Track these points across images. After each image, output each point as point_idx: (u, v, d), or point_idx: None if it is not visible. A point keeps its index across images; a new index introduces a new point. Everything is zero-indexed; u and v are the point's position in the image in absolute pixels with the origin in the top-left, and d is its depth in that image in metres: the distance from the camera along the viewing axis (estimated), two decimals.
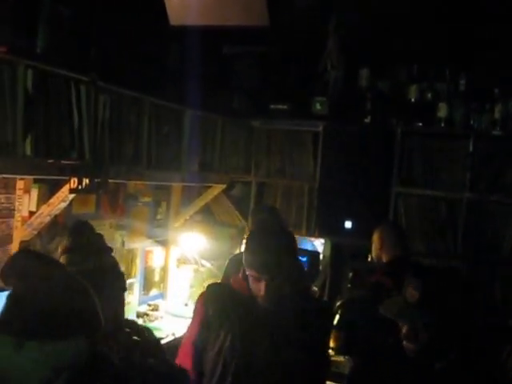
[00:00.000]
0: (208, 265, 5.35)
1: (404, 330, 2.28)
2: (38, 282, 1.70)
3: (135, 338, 2.34)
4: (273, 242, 2.59)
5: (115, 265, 2.35)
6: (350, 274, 4.96)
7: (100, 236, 2.42)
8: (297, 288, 2.71)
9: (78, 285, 1.77)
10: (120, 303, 2.30)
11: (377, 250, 4.24)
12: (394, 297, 2.45)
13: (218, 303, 2.68)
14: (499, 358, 4.34)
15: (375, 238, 4.25)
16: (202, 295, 2.84)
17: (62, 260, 2.29)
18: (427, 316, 2.23)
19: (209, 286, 2.88)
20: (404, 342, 2.29)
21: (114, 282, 2.28)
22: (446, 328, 2.23)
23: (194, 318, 2.78)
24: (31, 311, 1.65)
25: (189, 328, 2.82)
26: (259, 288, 2.56)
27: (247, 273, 2.62)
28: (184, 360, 2.71)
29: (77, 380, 1.66)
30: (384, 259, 4.20)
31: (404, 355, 2.34)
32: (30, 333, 1.63)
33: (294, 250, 2.74)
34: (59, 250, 2.38)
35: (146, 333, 2.46)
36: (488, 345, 2.62)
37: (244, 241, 5.31)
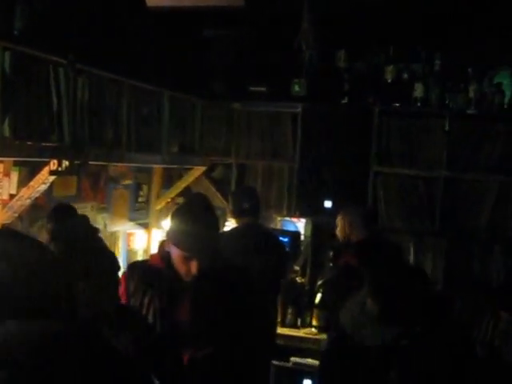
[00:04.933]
0: None
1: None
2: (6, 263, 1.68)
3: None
4: (203, 221, 2.61)
5: (104, 244, 2.36)
6: (331, 253, 5.03)
7: (85, 217, 2.42)
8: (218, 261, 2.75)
9: (50, 263, 1.75)
10: (115, 283, 2.32)
11: (344, 232, 4.30)
12: None
13: (139, 280, 2.70)
14: (478, 331, 4.45)
15: (342, 221, 4.29)
16: (124, 274, 2.86)
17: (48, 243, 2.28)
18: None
19: (130, 265, 2.94)
20: (368, 301, 2.37)
21: (107, 263, 2.30)
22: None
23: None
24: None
25: None
26: (189, 267, 2.58)
27: (175, 252, 2.63)
28: None
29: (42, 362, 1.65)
30: (354, 239, 4.26)
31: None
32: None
33: (218, 226, 2.81)
34: (44, 235, 2.36)
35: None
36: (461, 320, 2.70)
37: (227, 222, 5.40)
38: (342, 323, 2.50)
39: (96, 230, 2.35)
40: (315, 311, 4.96)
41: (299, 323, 5.08)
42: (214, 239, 2.67)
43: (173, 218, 2.73)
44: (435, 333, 2.37)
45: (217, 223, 2.75)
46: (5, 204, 3.66)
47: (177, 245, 2.62)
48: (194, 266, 2.57)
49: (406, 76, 5.16)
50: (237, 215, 4.39)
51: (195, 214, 2.66)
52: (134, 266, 2.89)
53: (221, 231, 5.06)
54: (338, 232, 4.31)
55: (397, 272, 2.42)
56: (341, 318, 2.53)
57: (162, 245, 2.79)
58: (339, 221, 4.29)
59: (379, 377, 2.39)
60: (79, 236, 2.25)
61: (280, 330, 4.85)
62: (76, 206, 4.23)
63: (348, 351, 2.50)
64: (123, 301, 2.72)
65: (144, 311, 2.64)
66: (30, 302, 1.63)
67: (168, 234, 2.69)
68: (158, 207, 5.28)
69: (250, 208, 4.40)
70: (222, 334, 2.63)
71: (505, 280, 4.80)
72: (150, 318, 2.63)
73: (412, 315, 2.35)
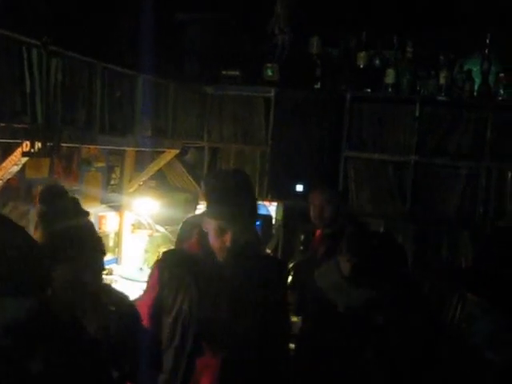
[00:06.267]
0: (162, 230, 5.40)
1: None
2: None
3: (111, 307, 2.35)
4: (239, 195, 2.61)
5: (93, 228, 2.34)
6: (302, 237, 5.09)
7: (75, 199, 2.40)
8: (255, 245, 2.75)
9: (24, 241, 1.74)
10: (100, 267, 2.31)
11: (321, 213, 4.26)
12: None
13: (174, 268, 2.68)
14: (445, 314, 4.54)
15: (318, 202, 4.24)
16: (157, 261, 2.85)
17: (37, 225, 2.26)
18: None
19: (164, 252, 2.88)
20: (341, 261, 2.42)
21: (93, 246, 2.28)
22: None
23: (149, 285, 2.77)
24: None
25: (144, 295, 2.81)
26: (224, 240, 2.58)
27: (209, 227, 2.62)
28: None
29: (24, 335, 1.68)
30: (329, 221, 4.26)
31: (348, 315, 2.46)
32: None
33: (256, 206, 2.76)
34: (35, 215, 2.33)
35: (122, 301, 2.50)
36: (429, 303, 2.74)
37: (198, 205, 5.43)
38: (318, 286, 2.54)
39: (86, 213, 2.32)
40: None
41: None
42: (249, 213, 2.64)
43: (210, 192, 2.73)
44: (407, 314, 2.43)
45: (252, 199, 2.71)
46: None
47: (211, 216, 2.62)
48: (227, 238, 2.57)
49: (377, 62, 5.23)
50: (208, 198, 4.40)
51: (231, 187, 2.65)
52: (168, 254, 2.85)
53: (192, 214, 5.12)
54: (327, 214, 4.24)
55: (374, 238, 2.47)
56: (316, 282, 2.57)
57: (200, 230, 2.74)
58: (316, 202, 4.23)
59: (353, 358, 2.43)
60: (68, 218, 2.23)
61: None
62: None
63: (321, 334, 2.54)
64: (156, 290, 2.69)
65: (179, 302, 2.62)
66: (10, 282, 1.65)
67: (205, 210, 2.69)
68: (131, 190, 5.28)
69: None
70: (259, 332, 2.60)
71: (472, 264, 4.89)
72: (186, 308, 2.60)
73: (383, 280, 2.40)
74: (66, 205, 2.29)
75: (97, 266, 2.28)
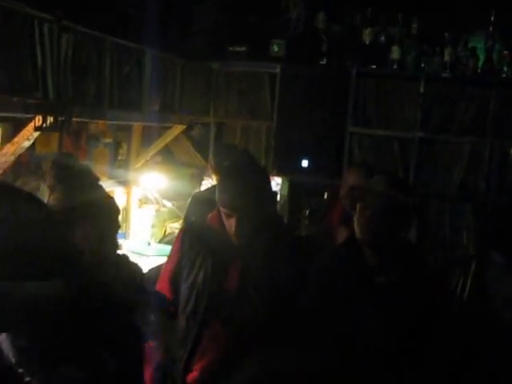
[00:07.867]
0: (169, 204, 5.47)
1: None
2: (9, 221, 1.66)
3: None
4: (243, 180, 2.62)
5: (108, 196, 2.37)
6: (307, 211, 5.14)
7: (87, 165, 2.44)
8: (269, 224, 2.71)
9: (53, 223, 1.75)
10: (116, 229, 2.34)
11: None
12: None
13: (194, 239, 2.74)
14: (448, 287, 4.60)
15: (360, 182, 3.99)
16: (180, 231, 2.93)
17: (52, 195, 2.29)
18: None
19: (189, 223, 2.97)
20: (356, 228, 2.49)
21: (109, 215, 2.32)
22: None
23: (172, 252, 2.86)
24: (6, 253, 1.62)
25: (167, 262, 2.89)
26: (230, 224, 2.61)
27: (220, 210, 2.67)
28: (162, 292, 2.80)
29: (60, 317, 1.67)
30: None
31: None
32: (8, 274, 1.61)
33: (265, 187, 2.75)
34: (47, 185, 2.37)
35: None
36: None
37: (203, 181, 5.49)
38: None
39: (98, 178, 2.38)
40: None
41: None
42: (254, 198, 2.61)
43: (219, 177, 2.78)
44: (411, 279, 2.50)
45: (258, 182, 2.69)
46: None
47: (218, 201, 2.66)
48: (232, 224, 2.60)
49: (383, 39, 5.26)
50: (217, 172, 4.45)
51: (235, 172, 2.71)
52: (192, 226, 2.95)
53: (200, 189, 5.18)
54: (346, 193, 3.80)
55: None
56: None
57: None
58: (351, 181, 3.77)
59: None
60: (83, 182, 2.28)
61: None
62: None
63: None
64: (177, 257, 2.76)
65: (195, 272, 2.67)
66: (28, 262, 1.66)
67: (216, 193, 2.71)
68: (138, 165, 5.33)
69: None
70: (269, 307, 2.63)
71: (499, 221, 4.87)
72: (200, 280, 2.65)
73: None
74: (80, 169, 2.35)
75: (113, 227, 2.30)
